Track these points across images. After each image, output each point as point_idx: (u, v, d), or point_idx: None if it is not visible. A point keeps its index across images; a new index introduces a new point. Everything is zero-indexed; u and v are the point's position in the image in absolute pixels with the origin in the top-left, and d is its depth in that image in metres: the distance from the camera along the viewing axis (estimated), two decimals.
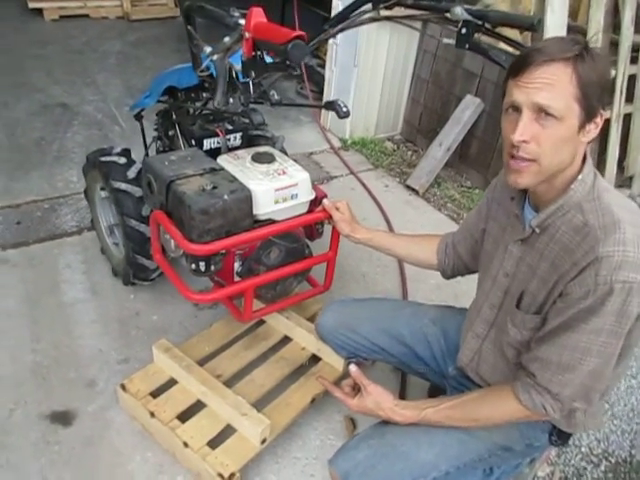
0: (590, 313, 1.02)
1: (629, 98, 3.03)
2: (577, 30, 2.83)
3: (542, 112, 1.00)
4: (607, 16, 2.82)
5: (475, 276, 1.45)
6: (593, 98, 0.99)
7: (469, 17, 1.36)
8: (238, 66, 1.59)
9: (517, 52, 1.35)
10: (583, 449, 1.82)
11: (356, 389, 1.32)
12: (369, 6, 1.58)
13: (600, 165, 2.99)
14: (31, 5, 5.10)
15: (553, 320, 1.10)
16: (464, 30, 1.39)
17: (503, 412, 1.20)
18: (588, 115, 1.01)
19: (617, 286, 0.98)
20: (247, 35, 1.47)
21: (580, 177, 1.07)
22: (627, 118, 3.08)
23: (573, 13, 2.95)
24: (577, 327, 1.05)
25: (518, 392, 1.16)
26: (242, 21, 1.50)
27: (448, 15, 1.41)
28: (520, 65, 1.01)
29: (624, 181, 3.27)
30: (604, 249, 1.00)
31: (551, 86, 0.99)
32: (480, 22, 1.37)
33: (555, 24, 2.64)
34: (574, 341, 1.06)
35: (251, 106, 1.75)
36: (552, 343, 1.10)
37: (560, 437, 1.29)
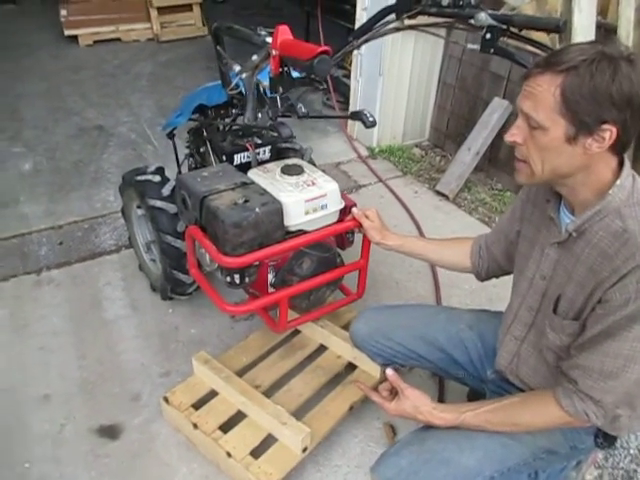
0: (632, 321, 1.02)
1: None
2: (607, 28, 2.77)
3: (528, 119, 1.03)
4: (638, 12, 2.76)
5: (510, 281, 1.43)
6: (582, 113, 0.97)
7: (493, 22, 1.37)
8: (266, 82, 1.63)
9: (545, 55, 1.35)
10: (632, 451, 1.77)
11: (393, 393, 1.32)
12: (393, 16, 1.60)
13: None
14: (67, 32, 5.30)
15: (593, 327, 1.09)
16: (488, 35, 1.40)
17: (544, 418, 1.19)
18: (580, 130, 0.99)
19: None
20: (274, 52, 1.51)
21: (618, 182, 1.06)
22: None
23: (603, 10, 2.89)
24: (619, 335, 1.04)
25: (560, 398, 1.15)
26: (269, 39, 1.54)
27: (472, 21, 1.41)
28: (527, 71, 1.04)
29: None
30: None
31: (534, 96, 1.01)
32: (505, 26, 1.37)
33: (582, 24, 2.59)
34: (616, 349, 1.05)
35: (279, 120, 1.79)
36: (593, 350, 1.09)
37: (606, 439, 1.26)
